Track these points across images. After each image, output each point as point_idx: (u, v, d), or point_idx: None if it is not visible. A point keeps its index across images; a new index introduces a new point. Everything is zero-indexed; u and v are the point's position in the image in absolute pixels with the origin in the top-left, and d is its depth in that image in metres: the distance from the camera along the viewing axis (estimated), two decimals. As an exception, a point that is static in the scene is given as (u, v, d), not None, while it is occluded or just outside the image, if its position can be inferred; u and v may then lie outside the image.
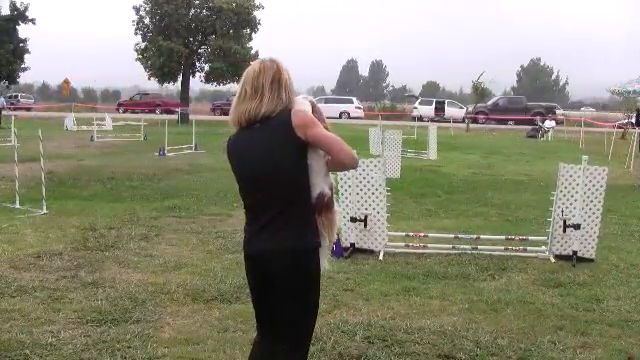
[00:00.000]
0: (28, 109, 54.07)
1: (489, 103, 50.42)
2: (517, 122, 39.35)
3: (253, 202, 3.12)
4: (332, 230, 3.13)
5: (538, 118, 37.50)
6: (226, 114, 42.89)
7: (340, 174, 7.60)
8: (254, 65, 3.10)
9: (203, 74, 44.81)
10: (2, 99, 38.34)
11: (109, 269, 6.60)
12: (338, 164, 3.05)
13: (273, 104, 2.98)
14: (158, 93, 58.61)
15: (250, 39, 44.89)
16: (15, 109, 48.63)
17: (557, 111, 48.18)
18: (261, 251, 3.10)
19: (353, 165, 3.09)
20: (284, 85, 3.02)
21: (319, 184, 3.01)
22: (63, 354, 4.49)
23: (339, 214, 3.20)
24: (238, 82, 3.18)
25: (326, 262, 3.17)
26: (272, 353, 3.10)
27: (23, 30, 47.99)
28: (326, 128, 3.05)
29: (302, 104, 3.08)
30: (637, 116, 16.08)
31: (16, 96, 58.87)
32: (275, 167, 2.96)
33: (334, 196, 3.13)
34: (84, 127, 29.42)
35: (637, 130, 16.39)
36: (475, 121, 45.26)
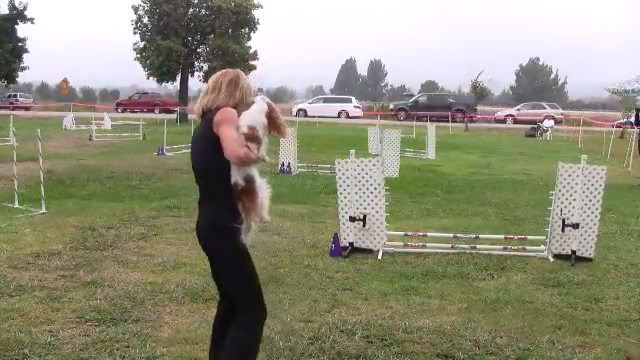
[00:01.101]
0: (27, 108, 54.04)
1: (410, 100, 50.88)
2: (439, 119, 39.87)
3: (197, 183, 3.71)
4: (252, 213, 3.55)
5: (542, 119, 37.46)
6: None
7: (339, 175, 7.60)
8: (219, 72, 3.67)
9: (202, 73, 44.77)
10: None
11: (108, 268, 6.60)
12: (232, 161, 3.40)
13: (225, 100, 3.54)
14: (157, 92, 58.56)
15: (249, 38, 44.89)
16: (14, 108, 48.63)
17: (478, 108, 49.73)
18: (197, 225, 3.68)
19: (241, 164, 3.41)
20: (240, 87, 3.58)
21: (234, 175, 3.47)
22: (62, 353, 4.49)
23: (264, 198, 3.59)
24: None
25: (248, 240, 3.58)
26: (226, 310, 3.77)
27: (22, 29, 47.99)
28: (279, 128, 3.62)
29: (257, 106, 3.56)
30: (636, 116, 16.06)
31: (15, 95, 58.80)
32: (199, 156, 3.61)
33: (255, 184, 3.54)
34: (83, 127, 29.37)
35: (636, 129, 16.36)
36: (397, 118, 46.19)
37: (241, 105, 3.57)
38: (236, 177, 3.48)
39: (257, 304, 3.63)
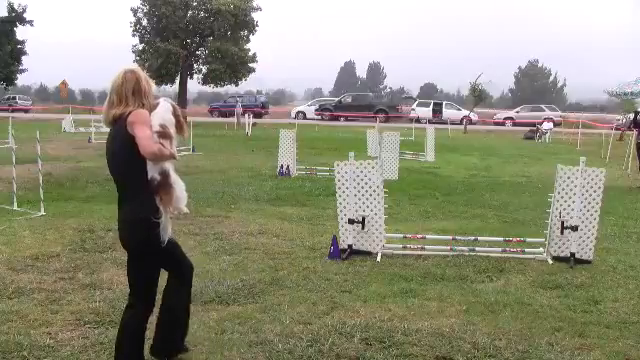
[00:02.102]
0: (26, 111, 54.04)
1: (335, 100, 51.65)
2: (361, 118, 40.34)
3: (115, 183, 3.98)
4: (170, 205, 3.86)
5: (543, 121, 37.45)
6: (224, 116, 42.75)
7: (338, 177, 7.60)
8: (118, 76, 3.85)
9: (201, 76, 44.87)
10: None
11: (107, 271, 6.59)
12: (147, 158, 3.69)
13: (134, 107, 3.79)
14: (156, 95, 58.43)
15: (248, 41, 45.01)
16: (13, 111, 48.61)
17: (406, 107, 50.38)
18: (118, 224, 4.00)
19: (156, 160, 3.72)
20: (142, 92, 3.85)
21: (150, 171, 3.76)
22: (61, 356, 4.49)
23: (180, 191, 3.91)
24: (236, 84, 3.58)
25: (168, 233, 3.92)
26: (173, 280, 4.23)
27: (21, 32, 48.05)
28: (181, 127, 3.97)
29: (162, 106, 3.90)
30: (634, 118, 16.01)
31: (14, 98, 58.82)
32: (114, 156, 3.86)
33: (170, 178, 3.84)
34: (82, 129, 29.34)
35: (634, 132, 16.31)
36: (321, 118, 46.63)
37: (148, 105, 3.86)
38: (152, 172, 3.75)
39: (150, 300, 4.02)
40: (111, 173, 3.93)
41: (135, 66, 3.96)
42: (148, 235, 3.82)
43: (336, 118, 47.08)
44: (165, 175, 3.80)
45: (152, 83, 3.97)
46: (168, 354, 4.29)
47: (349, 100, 50.32)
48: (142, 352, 4.08)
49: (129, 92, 3.81)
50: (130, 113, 3.73)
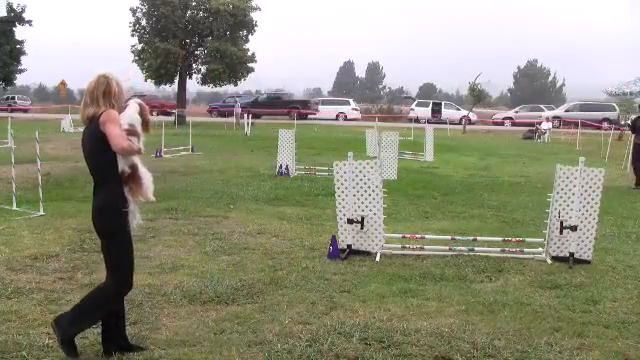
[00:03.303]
0: (25, 111, 54.01)
1: (252, 100, 52.79)
2: (275, 115, 41.18)
3: (90, 174, 4.41)
4: (139, 194, 4.31)
5: (543, 121, 37.35)
6: (223, 116, 42.53)
7: (337, 177, 7.61)
8: (92, 80, 4.29)
9: (200, 76, 44.80)
10: None
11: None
12: (118, 153, 4.14)
13: (105, 107, 4.21)
14: (155, 95, 58.52)
15: (247, 41, 44.93)
16: (12, 111, 48.58)
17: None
18: (92, 212, 4.39)
19: (125, 154, 4.15)
20: (112, 95, 4.27)
21: (120, 164, 4.20)
22: (60, 356, 4.48)
23: (148, 182, 4.34)
24: (235, 84, 3.75)
25: (137, 220, 4.37)
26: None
27: (20, 32, 47.99)
28: (146, 125, 4.35)
29: (131, 107, 4.33)
30: (634, 124, 15.83)
31: (13, 98, 58.79)
32: (89, 152, 4.32)
33: (139, 170, 4.27)
34: (81, 129, 29.26)
35: (632, 137, 16.17)
36: (241, 116, 46.86)
37: (118, 106, 4.28)
38: (122, 166, 4.21)
39: (125, 279, 4.42)
40: (87, 165, 4.40)
41: (108, 71, 4.39)
42: (117, 221, 4.26)
43: (257, 116, 48.20)
44: (134, 168, 4.26)
45: (123, 86, 4.41)
46: (117, 348, 4.53)
47: (264, 99, 52.55)
48: (92, 323, 4.52)
49: (100, 94, 4.25)
50: (102, 113, 4.16)
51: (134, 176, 4.26)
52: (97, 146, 4.20)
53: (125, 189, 4.25)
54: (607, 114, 44.28)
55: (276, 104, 49.77)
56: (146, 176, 4.35)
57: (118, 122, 4.16)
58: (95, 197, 4.37)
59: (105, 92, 4.26)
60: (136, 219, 4.37)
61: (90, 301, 4.43)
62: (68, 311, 4.48)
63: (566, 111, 47.37)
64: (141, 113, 4.37)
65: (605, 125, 35.00)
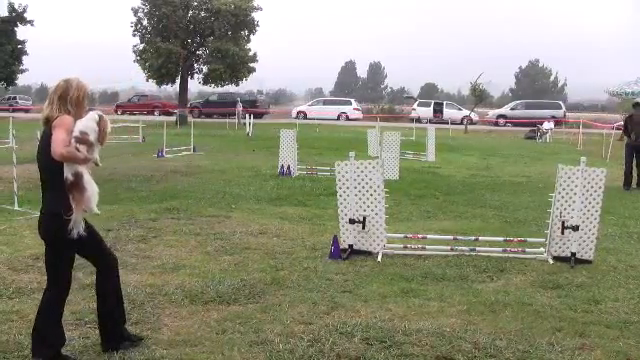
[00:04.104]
0: (26, 111, 54.07)
1: (203, 100, 53.81)
2: (226, 115, 41.56)
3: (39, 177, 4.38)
4: (81, 204, 4.20)
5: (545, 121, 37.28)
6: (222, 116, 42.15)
7: (339, 177, 7.61)
8: (55, 83, 4.32)
9: (201, 76, 44.79)
10: None
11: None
12: (55, 158, 4.04)
13: (58, 112, 4.20)
14: (156, 95, 58.54)
15: (248, 41, 44.88)
16: (13, 110, 48.62)
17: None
18: (39, 216, 4.38)
19: (64, 161, 4.08)
20: (68, 100, 4.23)
21: (65, 171, 4.14)
22: (61, 356, 4.48)
23: (92, 192, 4.25)
24: (236, 84, 3.65)
25: (79, 229, 4.22)
26: (47, 289, 4.47)
27: (21, 32, 47.97)
28: (102, 137, 4.28)
29: (89, 115, 4.29)
30: (624, 124, 15.69)
31: (14, 97, 58.85)
32: (41, 154, 4.27)
33: (83, 179, 4.18)
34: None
35: (624, 138, 16.05)
36: (192, 115, 47.34)
37: (75, 113, 4.25)
38: (67, 173, 4.15)
39: (63, 285, 4.41)
40: (38, 168, 4.38)
41: (73, 77, 4.36)
42: (58, 228, 4.20)
43: (209, 115, 49.07)
44: (78, 176, 4.18)
45: (84, 93, 4.33)
46: (116, 345, 4.54)
47: (215, 98, 52.83)
48: (59, 331, 4.37)
49: (56, 97, 4.24)
50: (57, 117, 4.15)
51: (77, 185, 4.18)
52: (47, 149, 4.13)
53: (70, 197, 4.18)
54: (553, 112, 45.58)
55: (226, 103, 49.75)
56: (91, 186, 4.26)
57: (69, 129, 4.10)
58: (42, 201, 4.34)
59: (61, 96, 4.24)
60: (79, 228, 4.25)
61: (42, 319, 4.34)
62: (32, 341, 4.37)
63: (511, 109, 49.34)
64: (99, 123, 4.29)
65: (546, 123, 35.68)
